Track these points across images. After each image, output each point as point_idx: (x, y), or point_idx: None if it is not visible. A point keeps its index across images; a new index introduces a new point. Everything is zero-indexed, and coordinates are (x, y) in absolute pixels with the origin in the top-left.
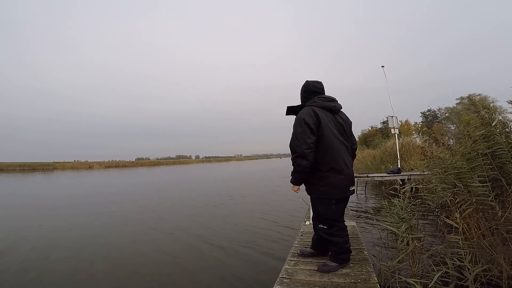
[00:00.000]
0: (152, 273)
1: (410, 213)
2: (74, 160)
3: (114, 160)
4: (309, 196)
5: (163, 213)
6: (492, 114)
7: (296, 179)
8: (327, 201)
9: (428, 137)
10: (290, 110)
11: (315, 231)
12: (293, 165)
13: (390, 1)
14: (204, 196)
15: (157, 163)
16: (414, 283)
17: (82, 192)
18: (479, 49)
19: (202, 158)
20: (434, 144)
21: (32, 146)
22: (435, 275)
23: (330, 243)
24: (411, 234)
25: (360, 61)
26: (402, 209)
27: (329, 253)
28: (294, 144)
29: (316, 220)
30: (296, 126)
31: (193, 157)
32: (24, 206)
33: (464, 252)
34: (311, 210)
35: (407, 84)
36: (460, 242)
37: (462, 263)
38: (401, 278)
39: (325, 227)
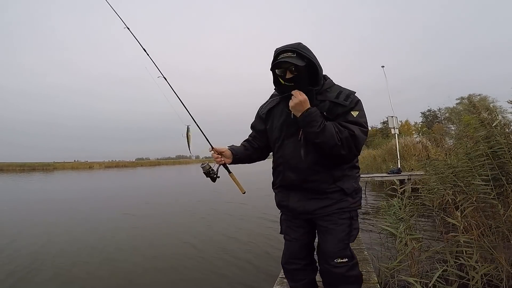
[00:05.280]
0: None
1: (409, 213)
2: (74, 160)
3: (114, 160)
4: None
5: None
6: (494, 115)
7: (322, 134)
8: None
9: (426, 138)
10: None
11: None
12: (344, 142)
13: (401, 2)
14: None
15: (157, 163)
16: (414, 282)
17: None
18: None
19: (202, 158)
20: (434, 144)
21: (32, 145)
22: (435, 274)
23: None
24: (410, 235)
25: (360, 61)
26: (400, 209)
27: None
28: (361, 140)
29: (342, 251)
30: (362, 109)
31: (193, 157)
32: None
33: (471, 251)
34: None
35: (407, 84)
36: (462, 241)
37: (468, 262)
38: (401, 277)
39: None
